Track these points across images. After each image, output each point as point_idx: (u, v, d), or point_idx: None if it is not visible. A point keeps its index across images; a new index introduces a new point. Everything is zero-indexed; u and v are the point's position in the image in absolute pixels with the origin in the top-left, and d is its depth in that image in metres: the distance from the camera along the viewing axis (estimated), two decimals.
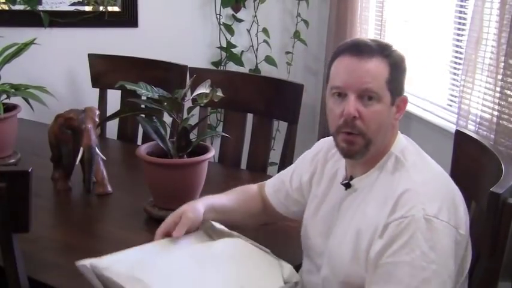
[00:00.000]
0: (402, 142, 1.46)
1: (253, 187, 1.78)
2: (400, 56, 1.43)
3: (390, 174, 1.41)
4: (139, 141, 2.69)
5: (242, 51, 3.47)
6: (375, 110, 1.37)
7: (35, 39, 2.46)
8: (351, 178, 1.48)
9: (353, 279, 1.40)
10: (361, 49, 1.38)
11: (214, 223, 1.60)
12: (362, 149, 1.40)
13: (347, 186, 1.48)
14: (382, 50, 1.39)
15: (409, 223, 1.30)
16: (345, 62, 1.39)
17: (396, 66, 1.40)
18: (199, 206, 1.60)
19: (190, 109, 2.86)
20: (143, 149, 1.89)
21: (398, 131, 1.48)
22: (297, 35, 3.50)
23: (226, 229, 1.60)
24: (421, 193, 1.34)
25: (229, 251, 1.53)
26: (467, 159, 1.71)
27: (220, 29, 3.40)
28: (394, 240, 1.31)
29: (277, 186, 1.72)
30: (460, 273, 1.40)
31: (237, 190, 1.75)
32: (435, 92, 2.84)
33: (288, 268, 1.51)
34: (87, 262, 1.40)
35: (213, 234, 1.60)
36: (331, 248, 1.47)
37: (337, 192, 1.51)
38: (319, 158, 1.61)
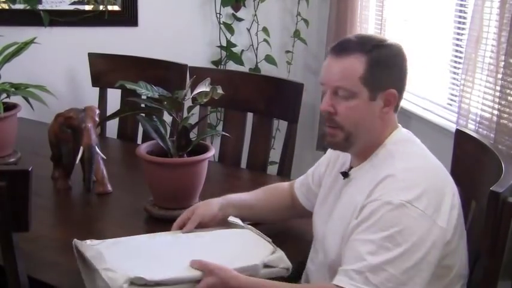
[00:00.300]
0: (399, 135, 1.50)
1: (284, 184, 1.87)
2: (387, 51, 1.46)
3: (380, 164, 1.46)
4: (139, 141, 2.69)
5: (242, 50, 3.47)
6: (349, 106, 1.44)
7: (35, 38, 2.46)
8: (351, 169, 1.54)
9: (338, 263, 1.43)
10: (340, 47, 1.47)
11: (230, 218, 1.69)
12: (343, 141, 1.48)
13: (344, 175, 1.54)
14: (363, 47, 1.44)
15: (381, 205, 1.35)
16: (327, 60, 1.48)
17: (376, 62, 1.43)
18: (213, 202, 1.71)
19: (190, 108, 2.85)
20: (143, 148, 1.89)
21: (399, 126, 1.53)
22: (297, 34, 3.50)
23: (240, 222, 1.68)
24: (400, 179, 1.38)
25: (221, 235, 1.63)
26: (468, 158, 1.71)
27: (220, 28, 3.40)
28: (365, 220, 1.37)
29: (303, 180, 1.80)
30: (446, 269, 1.40)
31: (266, 187, 1.85)
32: (435, 91, 2.84)
33: (279, 252, 1.55)
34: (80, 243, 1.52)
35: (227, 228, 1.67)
36: (326, 234, 1.54)
37: (339, 182, 1.57)
38: (333, 152, 1.67)
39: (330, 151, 1.69)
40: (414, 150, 1.49)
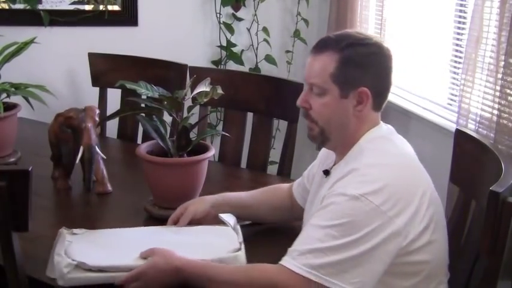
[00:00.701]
0: (376, 133, 1.51)
1: (284, 185, 1.88)
2: (362, 49, 1.46)
3: (351, 160, 1.47)
4: (139, 140, 2.70)
5: (242, 50, 3.47)
6: (321, 103, 1.49)
7: (35, 38, 2.46)
8: (333, 167, 1.57)
9: None
10: (317, 45, 1.52)
11: (222, 215, 1.71)
12: (319, 135, 1.53)
13: (326, 173, 1.57)
14: (337, 44, 1.47)
15: (337, 195, 1.38)
16: (308, 58, 1.54)
17: (348, 60, 1.45)
18: (206, 200, 1.75)
19: (190, 108, 2.85)
20: (143, 148, 1.89)
21: (380, 124, 1.53)
22: (297, 33, 3.50)
23: (230, 221, 1.70)
24: (361, 174, 1.40)
25: (198, 231, 1.68)
26: (467, 158, 1.71)
27: (220, 27, 3.40)
28: (321, 208, 1.41)
29: (300, 181, 1.81)
30: (414, 266, 1.40)
31: (266, 187, 1.87)
32: (435, 91, 2.84)
33: (240, 253, 1.58)
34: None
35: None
36: None
37: (322, 180, 1.59)
38: (324, 151, 1.68)
39: (321, 151, 1.70)
40: (385, 147, 1.48)
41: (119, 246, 1.62)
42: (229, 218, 1.72)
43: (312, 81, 1.49)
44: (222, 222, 1.71)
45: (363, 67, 1.46)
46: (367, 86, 1.46)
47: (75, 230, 1.68)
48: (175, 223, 1.72)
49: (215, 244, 1.61)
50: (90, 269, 1.49)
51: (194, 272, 1.45)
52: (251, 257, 1.60)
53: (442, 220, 1.48)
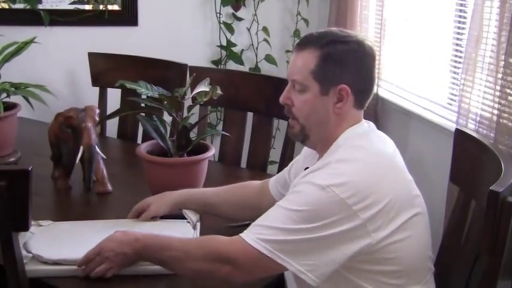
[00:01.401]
0: (355, 131, 1.50)
1: (255, 182, 1.86)
2: (343, 47, 1.46)
3: (327, 157, 1.46)
4: (139, 140, 2.70)
5: (242, 50, 3.47)
6: (302, 99, 1.49)
7: (35, 37, 2.46)
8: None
9: None
10: (300, 42, 1.52)
11: (185, 211, 1.76)
12: (299, 133, 1.53)
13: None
14: (318, 41, 1.47)
15: (305, 183, 1.40)
16: (292, 55, 1.53)
17: (328, 57, 1.45)
18: (168, 199, 1.77)
19: (190, 108, 2.85)
20: (143, 147, 1.89)
21: (362, 121, 1.53)
22: (297, 33, 3.50)
23: (192, 217, 1.76)
24: (332, 167, 1.40)
25: (156, 225, 1.72)
26: (467, 157, 1.71)
27: (220, 27, 3.40)
28: (288, 193, 1.44)
29: (279, 177, 1.79)
30: (385, 264, 1.40)
31: (235, 184, 1.85)
32: (435, 91, 2.84)
33: None
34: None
35: None
36: None
37: None
38: (307, 149, 1.67)
39: (305, 148, 1.70)
40: (360, 144, 1.47)
41: (78, 239, 1.66)
42: (192, 214, 1.77)
43: (293, 78, 1.50)
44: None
45: (342, 64, 1.46)
46: (347, 83, 1.46)
47: (41, 222, 1.73)
48: (137, 216, 1.78)
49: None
50: (46, 262, 1.54)
51: (150, 241, 1.48)
52: None
53: (423, 218, 1.47)
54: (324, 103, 1.48)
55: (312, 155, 1.63)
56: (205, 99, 1.85)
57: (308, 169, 1.51)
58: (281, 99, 1.54)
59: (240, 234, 1.40)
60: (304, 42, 1.50)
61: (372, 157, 1.45)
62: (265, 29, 3.42)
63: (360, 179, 1.37)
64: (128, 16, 3.22)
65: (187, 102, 1.92)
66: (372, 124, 1.55)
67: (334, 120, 1.49)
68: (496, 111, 2.20)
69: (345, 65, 1.47)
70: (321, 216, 1.34)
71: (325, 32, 1.51)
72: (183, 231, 1.68)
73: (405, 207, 1.42)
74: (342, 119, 1.49)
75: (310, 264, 1.34)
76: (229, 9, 3.41)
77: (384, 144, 1.52)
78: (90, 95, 2.85)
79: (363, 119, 1.54)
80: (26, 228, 1.42)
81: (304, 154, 1.71)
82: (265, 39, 3.43)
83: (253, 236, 1.37)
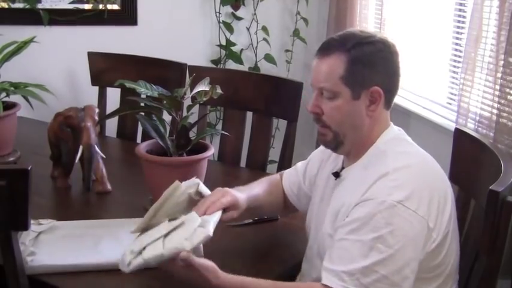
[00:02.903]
0: (391, 134, 1.49)
1: (277, 178, 1.82)
2: (369, 48, 1.43)
3: (372, 164, 1.44)
4: (138, 140, 2.69)
5: (242, 49, 3.47)
6: (333, 106, 1.45)
7: (34, 37, 2.46)
8: (342, 169, 1.54)
9: None
10: (323, 48, 1.47)
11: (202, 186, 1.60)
12: (333, 140, 1.49)
13: (336, 176, 1.54)
14: (343, 45, 1.44)
15: (373, 205, 1.34)
16: (313, 62, 1.49)
17: (357, 60, 1.42)
18: (244, 203, 1.59)
19: (189, 107, 2.85)
20: (143, 147, 1.89)
21: (391, 124, 1.52)
22: (296, 33, 3.50)
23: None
24: (392, 179, 1.36)
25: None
26: (467, 157, 1.71)
27: (219, 27, 3.40)
28: (355, 220, 1.35)
29: (293, 178, 1.77)
30: (437, 270, 1.39)
31: (270, 183, 1.78)
32: (435, 90, 2.84)
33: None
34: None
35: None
36: (320, 236, 1.52)
37: (331, 183, 1.56)
38: (326, 152, 1.65)
39: (320, 151, 1.68)
40: (406, 149, 1.47)
41: (82, 243, 1.66)
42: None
43: (321, 86, 1.45)
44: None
45: (372, 66, 1.43)
46: (378, 85, 1.44)
47: (41, 221, 1.72)
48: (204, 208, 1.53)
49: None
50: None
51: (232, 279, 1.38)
52: (252, 258, 1.60)
53: (456, 219, 1.47)
54: (357, 107, 1.45)
55: (333, 157, 1.61)
56: (204, 99, 1.85)
57: (344, 178, 1.50)
58: (310, 109, 1.48)
59: (333, 285, 1.32)
60: (328, 48, 1.45)
61: (422, 161, 1.45)
62: (264, 29, 3.42)
63: (421, 186, 1.36)
64: (127, 15, 3.22)
65: (187, 101, 1.92)
66: (398, 127, 1.54)
67: (368, 123, 1.46)
68: (495, 111, 2.20)
69: (374, 66, 1.44)
70: (400, 235, 1.31)
71: (347, 34, 1.47)
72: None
73: (452, 207, 1.42)
74: (375, 121, 1.47)
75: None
76: (228, 9, 3.41)
77: (418, 146, 1.52)
78: (90, 95, 2.85)
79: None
80: (25, 227, 1.42)
81: (320, 158, 1.67)
82: (264, 39, 3.43)
83: (348, 286, 1.31)
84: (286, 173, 1.81)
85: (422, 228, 1.34)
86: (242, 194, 1.61)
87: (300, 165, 1.78)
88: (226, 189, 1.59)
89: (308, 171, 1.73)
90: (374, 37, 1.46)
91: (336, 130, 1.47)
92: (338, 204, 1.46)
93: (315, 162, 1.70)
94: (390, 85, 1.47)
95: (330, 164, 1.61)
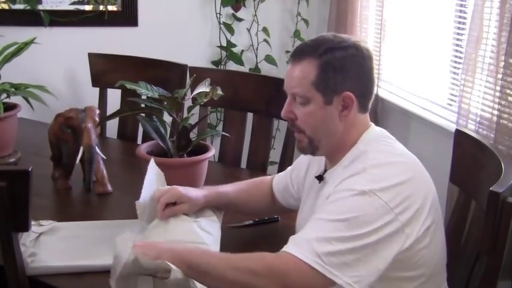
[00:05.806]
0: (371, 135, 1.49)
1: (266, 179, 1.84)
2: (341, 53, 1.42)
3: (352, 164, 1.44)
4: (139, 141, 2.69)
5: (242, 51, 3.47)
6: (305, 112, 1.45)
7: (35, 38, 2.46)
8: (325, 172, 1.54)
9: None
10: (295, 53, 1.47)
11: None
12: (308, 146, 1.49)
13: (319, 179, 1.54)
14: (315, 50, 1.43)
15: (345, 190, 1.35)
16: (288, 66, 1.49)
17: (328, 65, 1.42)
18: (198, 196, 1.66)
19: (190, 108, 2.86)
20: (143, 148, 1.89)
21: (372, 125, 1.51)
22: (297, 34, 3.50)
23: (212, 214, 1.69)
24: (369, 173, 1.37)
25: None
26: (467, 158, 1.71)
27: (220, 28, 3.40)
28: (327, 203, 1.38)
29: (282, 179, 1.77)
30: (412, 267, 1.38)
31: (253, 183, 1.81)
32: (435, 91, 2.84)
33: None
34: None
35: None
36: None
37: (316, 186, 1.57)
38: (304, 158, 1.66)
39: (300, 158, 1.69)
40: (387, 148, 1.46)
41: (84, 244, 1.67)
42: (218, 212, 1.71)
43: (294, 91, 1.46)
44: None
45: (343, 71, 1.43)
46: (350, 90, 1.43)
47: (42, 222, 1.72)
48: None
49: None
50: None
51: (192, 248, 1.42)
52: None
53: (441, 219, 1.47)
54: (329, 113, 1.44)
55: (317, 160, 1.61)
56: (205, 100, 1.85)
57: (326, 181, 1.50)
58: (283, 114, 1.49)
59: (287, 250, 1.31)
60: (300, 53, 1.45)
61: (402, 159, 1.44)
62: (265, 30, 3.43)
63: (398, 182, 1.36)
64: (127, 17, 3.22)
65: (188, 102, 1.92)
66: (381, 128, 1.54)
67: (343, 127, 1.46)
68: (496, 112, 2.20)
69: (346, 71, 1.43)
70: (366, 222, 1.31)
71: (319, 39, 1.47)
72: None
73: (433, 207, 1.41)
74: (351, 125, 1.47)
75: (355, 276, 1.30)
76: (229, 10, 3.41)
77: (403, 146, 1.51)
78: (90, 96, 2.85)
79: (371, 122, 1.53)
80: (26, 228, 1.42)
81: (307, 162, 1.67)
82: (265, 40, 3.43)
83: (303, 251, 1.30)
84: (278, 176, 1.81)
85: (391, 221, 1.32)
86: (202, 190, 1.68)
87: (289, 167, 1.79)
88: (173, 186, 1.64)
89: (294, 176, 1.72)
90: (347, 42, 1.45)
91: (310, 135, 1.47)
92: (319, 204, 1.47)
93: (303, 164, 1.69)
94: (363, 90, 1.47)
95: (315, 166, 1.61)
